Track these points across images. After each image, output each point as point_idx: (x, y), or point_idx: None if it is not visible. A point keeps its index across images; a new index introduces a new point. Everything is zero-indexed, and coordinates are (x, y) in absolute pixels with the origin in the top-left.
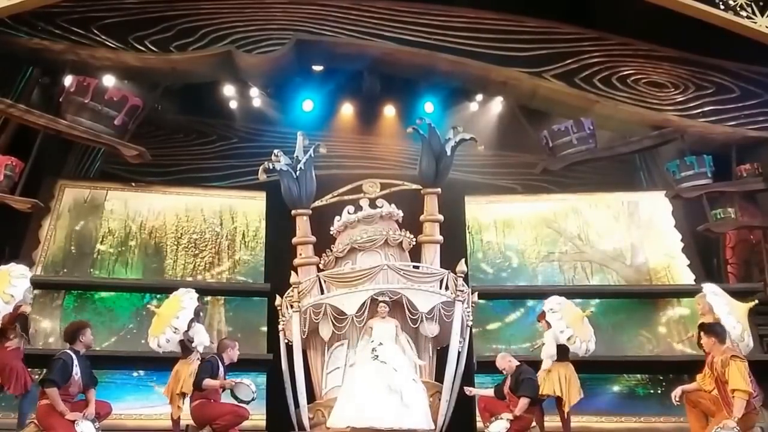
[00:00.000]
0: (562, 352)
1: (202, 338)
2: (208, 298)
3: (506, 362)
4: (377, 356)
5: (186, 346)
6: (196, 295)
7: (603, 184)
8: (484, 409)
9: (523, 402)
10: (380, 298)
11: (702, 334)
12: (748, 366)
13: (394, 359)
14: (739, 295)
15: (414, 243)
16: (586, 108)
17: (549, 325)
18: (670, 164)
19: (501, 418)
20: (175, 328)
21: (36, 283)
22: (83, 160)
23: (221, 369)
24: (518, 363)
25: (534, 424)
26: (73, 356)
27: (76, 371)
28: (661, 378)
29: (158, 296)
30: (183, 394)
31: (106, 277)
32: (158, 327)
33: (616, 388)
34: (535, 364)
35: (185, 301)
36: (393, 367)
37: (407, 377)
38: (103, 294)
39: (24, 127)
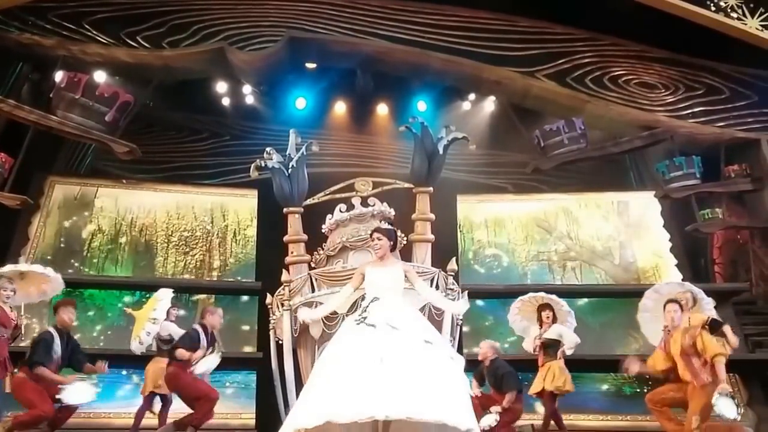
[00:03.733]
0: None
1: (172, 331)
2: (199, 296)
3: (486, 353)
4: (364, 318)
5: (158, 345)
6: (171, 291)
7: (593, 183)
8: (477, 405)
9: (510, 396)
10: (375, 227)
11: (676, 306)
12: None
13: (395, 316)
14: (725, 294)
15: (405, 242)
16: (577, 108)
17: (554, 318)
18: (659, 165)
19: (490, 412)
20: (154, 319)
21: None
22: (73, 157)
23: (203, 339)
24: (493, 357)
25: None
26: (54, 334)
27: (56, 350)
28: (648, 377)
29: (148, 294)
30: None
31: (95, 274)
32: (138, 326)
33: (603, 387)
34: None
35: (161, 294)
36: (391, 327)
37: (415, 340)
38: (93, 291)
39: (14, 123)
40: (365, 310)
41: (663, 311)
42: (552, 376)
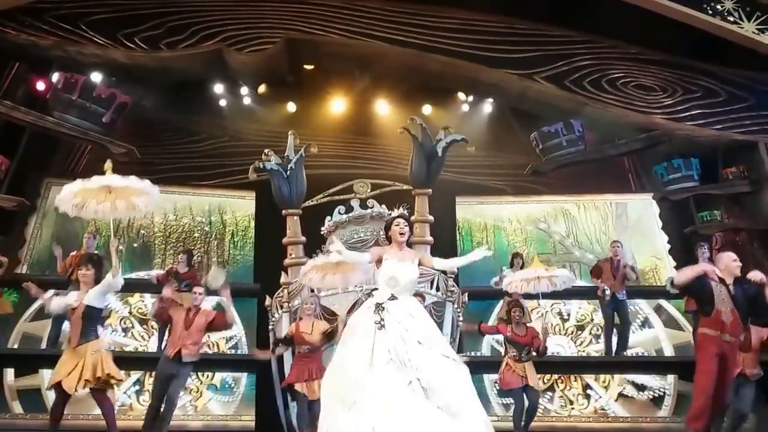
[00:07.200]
0: None
1: None
2: None
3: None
4: (381, 323)
5: None
6: None
7: (592, 185)
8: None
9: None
10: (397, 214)
11: None
12: None
13: (415, 325)
14: None
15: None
16: (575, 110)
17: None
18: (657, 167)
19: None
20: None
21: (21, 282)
22: (70, 158)
23: None
24: None
25: None
26: None
27: None
28: (649, 378)
29: (145, 295)
30: None
31: None
32: None
33: (604, 388)
34: None
35: None
36: (417, 340)
37: (442, 359)
38: None
39: (10, 124)
40: (382, 309)
41: None
42: None
